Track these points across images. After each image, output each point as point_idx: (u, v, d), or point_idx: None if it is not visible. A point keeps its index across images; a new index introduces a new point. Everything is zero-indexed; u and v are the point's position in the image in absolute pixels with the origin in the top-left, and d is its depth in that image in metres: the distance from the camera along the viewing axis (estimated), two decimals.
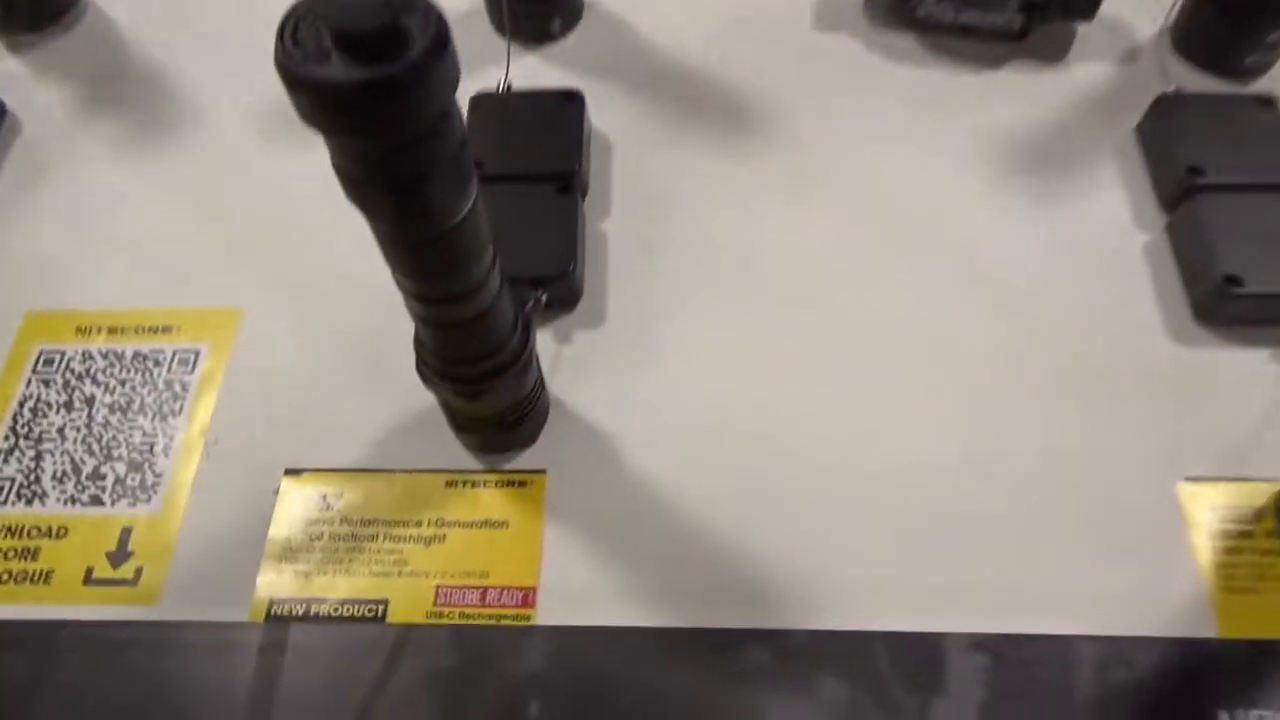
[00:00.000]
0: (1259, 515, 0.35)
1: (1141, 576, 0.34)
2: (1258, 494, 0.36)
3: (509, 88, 0.47)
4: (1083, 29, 0.49)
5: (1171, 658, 0.32)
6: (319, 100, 0.23)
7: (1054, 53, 0.49)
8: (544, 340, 0.41)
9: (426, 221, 0.27)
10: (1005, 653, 0.32)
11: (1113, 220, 0.43)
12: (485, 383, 0.34)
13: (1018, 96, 0.48)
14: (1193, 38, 0.47)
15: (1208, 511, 0.36)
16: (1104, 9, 0.48)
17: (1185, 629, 0.33)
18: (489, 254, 0.30)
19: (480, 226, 0.29)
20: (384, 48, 0.23)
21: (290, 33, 0.23)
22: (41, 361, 0.42)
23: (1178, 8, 0.47)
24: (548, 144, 0.45)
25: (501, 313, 0.33)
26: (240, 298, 0.43)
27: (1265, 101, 0.43)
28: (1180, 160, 0.42)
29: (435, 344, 0.33)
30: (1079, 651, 0.32)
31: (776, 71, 0.49)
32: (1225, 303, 0.39)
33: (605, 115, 0.48)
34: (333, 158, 0.26)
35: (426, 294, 0.30)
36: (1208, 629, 0.33)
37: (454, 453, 0.39)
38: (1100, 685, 0.31)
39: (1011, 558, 0.35)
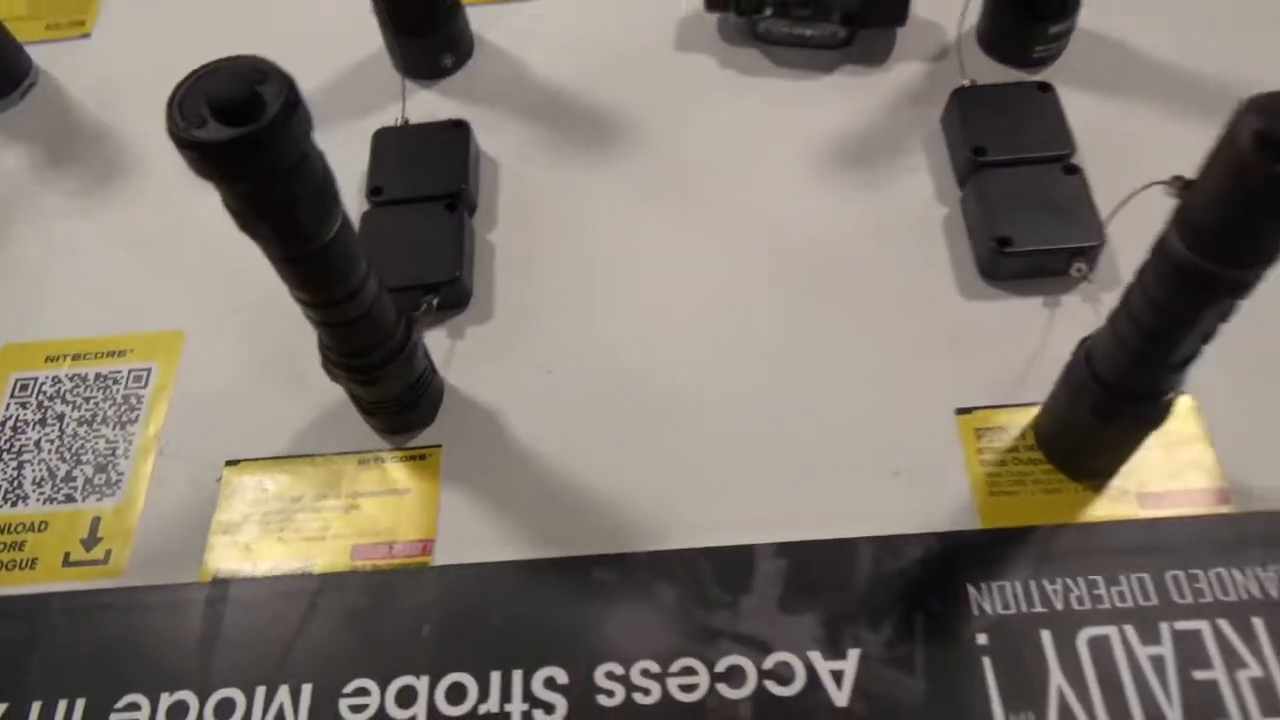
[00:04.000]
0: (1022, 434, 0.43)
1: (922, 490, 0.42)
2: (1024, 416, 0.43)
3: (406, 121, 0.55)
4: (902, 32, 0.57)
5: (933, 547, 0.39)
6: (200, 156, 0.30)
7: (877, 55, 0.56)
8: (439, 336, 0.49)
9: (301, 242, 0.35)
10: (800, 556, 0.39)
11: (919, 197, 0.51)
12: (377, 370, 0.41)
13: (845, 95, 0.55)
14: (992, 35, 0.55)
15: (981, 434, 0.43)
16: (921, 14, 0.56)
17: (953, 527, 0.40)
18: (362, 264, 0.38)
19: (350, 242, 0.37)
20: (246, 112, 0.30)
21: (178, 104, 0.31)
22: (18, 387, 0.50)
23: (972, 10, 0.55)
24: (438, 169, 0.52)
25: (383, 311, 0.40)
26: (182, 321, 0.51)
27: (1043, 87, 0.51)
28: (969, 142, 0.49)
29: (331, 341, 0.41)
30: (859, 549, 0.39)
31: (643, 91, 0.57)
32: (999, 260, 0.46)
33: (494, 140, 0.55)
34: (222, 198, 0.33)
35: (315, 301, 0.38)
36: (972, 526, 0.41)
37: (365, 436, 0.46)
38: (874, 573, 0.39)
39: (816, 482, 0.42)
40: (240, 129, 0.30)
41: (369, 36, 0.57)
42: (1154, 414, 0.37)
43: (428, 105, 0.57)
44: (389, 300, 0.41)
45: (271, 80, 0.31)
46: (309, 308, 0.38)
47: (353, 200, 0.52)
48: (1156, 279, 0.32)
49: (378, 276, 0.39)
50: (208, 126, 0.30)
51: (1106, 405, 0.37)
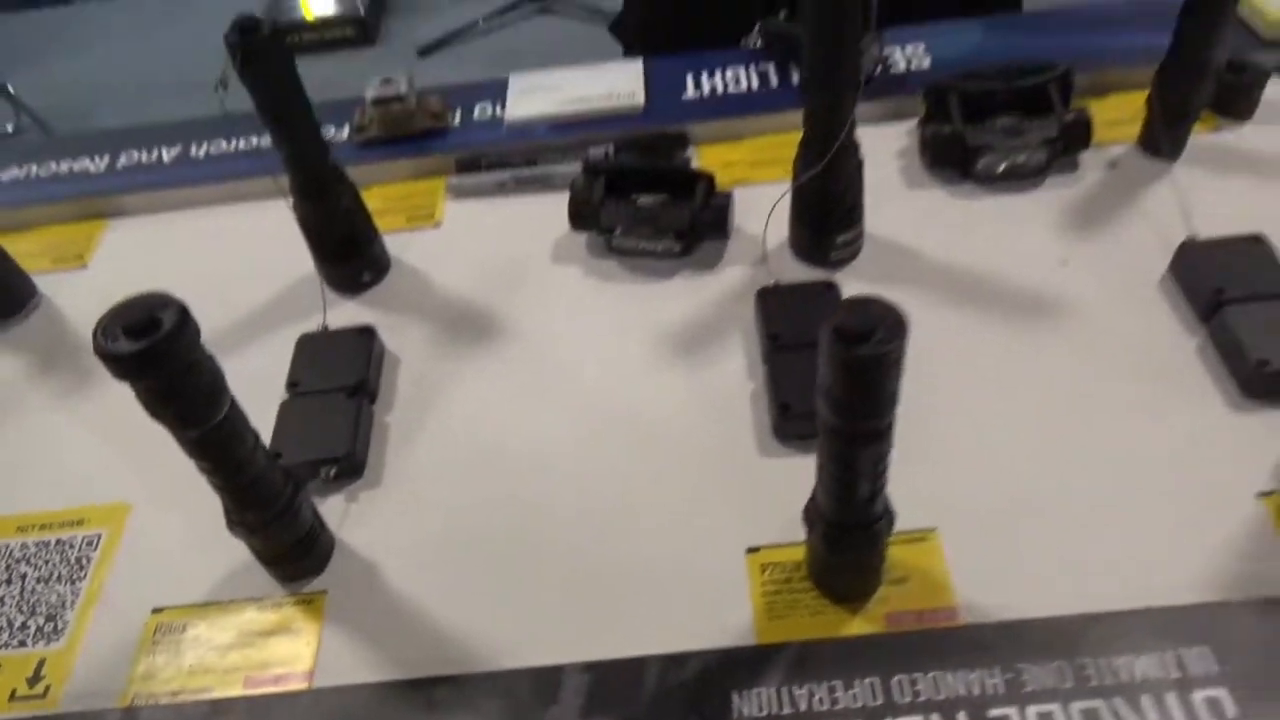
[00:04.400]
0: (798, 567, 0.52)
1: (713, 615, 0.51)
2: (800, 553, 0.52)
3: (325, 328, 0.67)
4: (732, 242, 0.69)
5: (709, 661, 0.47)
6: (111, 364, 0.42)
7: (711, 261, 0.69)
8: (337, 500, 0.59)
9: (194, 425, 0.46)
10: (602, 672, 0.48)
11: (733, 375, 0.62)
12: (267, 527, 0.52)
13: (683, 295, 0.67)
14: (798, 244, 0.67)
15: (766, 568, 0.52)
16: (749, 229, 0.69)
17: (733, 645, 0.49)
18: (249, 440, 0.49)
19: (237, 424, 0.48)
20: (145, 331, 0.42)
21: (102, 329, 0.43)
22: None
23: (778, 225, 0.67)
24: (346, 365, 0.64)
25: (270, 478, 0.51)
26: (131, 495, 0.61)
27: (829, 285, 0.63)
28: (767, 331, 0.61)
29: (230, 503, 0.51)
30: (649, 665, 0.48)
31: (523, 296, 0.69)
32: (784, 423, 0.56)
33: (398, 340, 0.68)
34: (135, 394, 0.45)
35: (212, 469, 0.49)
36: (750, 644, 0.49)
37: (268, 584, 0.56)
38: (660, 684, 0.47)
39: (628, 609, 0.51)
40: (138, 344, 0.42)
41: (304, 262, 0.71)
42: (865, 541, 0.47)
43: (349, 314, 0.70)
44: (277, 469, 0.51)
45: (169, 308, 0.43)
46: (209, 475, 0.49)
47: (277, 392, 0.63)
48: (822, 436, 0.42)
49: (264, 450, 0.50)
50: (119, 342, 0.42)
51: (829, 537, 0.46)
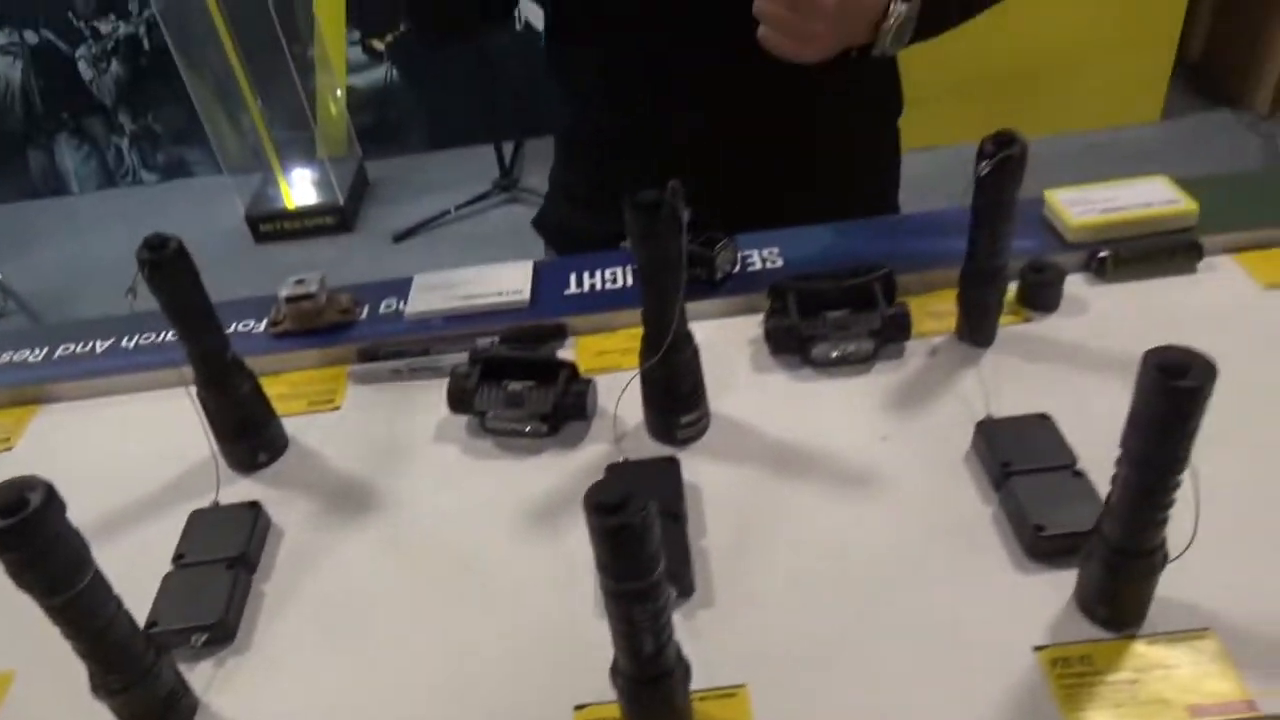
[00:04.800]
0: None
1: None
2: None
3: (217, 504, 0.73)
4: (596, 422, 0.77)
5: None
6: None
7: (575, 440, 0.76)
8: (205, 666, 0.63)
9: (57, 593, 0.51)
10: None
11: (584, 544, 0.67)
12: (127, 691, 0.56)
13: (547, 471, 0.74)
14: (650, 424, 0.75)
15: None
16: (611, 409, 0.77)
17: None
18: (110, 608, 0.54)
19: (99, 593, 0.53)
20: (13, 509, 0.48)
21: None
22: None
23: (637, 408, 0.75)
24: (230, 538, 0.70)
25: (132, 644, 0.56)
26: (15, 664, 0.66)
27: (671, 460, 0.70)
28: None
29: (93, 666, 0.56)
30: None
31: (405, 473, 0.76)
32: None
33: (285, 513, 0.74)
34: (3, 565, 0.51)
35: (74, 634, 0.53)
36: None
37: None
38: None
39: None
40: (6, 521, 0.48)
41: (208, 444, 0.77)
42: (661, 694, 0.51)
43: (244, 491, 0.76)
44: (139, 635, 0.56)
45: (37, 489, 0.49)
46: (73, 640, 0.54)
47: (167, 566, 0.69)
48: (605, 599, 0.48)
49: (127, 617, 0.55)
50: None
51: (628, 692, 0.51)
